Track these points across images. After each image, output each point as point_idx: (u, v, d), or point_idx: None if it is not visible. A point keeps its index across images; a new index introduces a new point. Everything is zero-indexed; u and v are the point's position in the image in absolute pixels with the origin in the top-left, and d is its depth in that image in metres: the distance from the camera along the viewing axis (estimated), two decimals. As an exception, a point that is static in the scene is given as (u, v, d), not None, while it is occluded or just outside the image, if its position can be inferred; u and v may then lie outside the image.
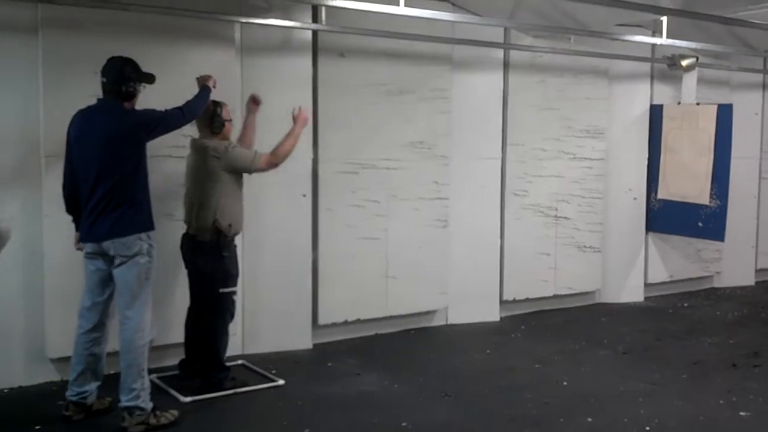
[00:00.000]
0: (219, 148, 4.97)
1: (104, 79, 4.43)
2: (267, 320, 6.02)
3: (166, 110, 4.58)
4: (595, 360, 6.09)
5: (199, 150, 5.05)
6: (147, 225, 4.48)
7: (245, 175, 5.18)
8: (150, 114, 4.51)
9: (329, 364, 5.82)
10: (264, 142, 5.86)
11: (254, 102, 5.45)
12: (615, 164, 7.93)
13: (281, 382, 5.32)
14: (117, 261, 4.40)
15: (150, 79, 4.56)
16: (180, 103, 4.73)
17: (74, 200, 4.54)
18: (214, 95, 5.11)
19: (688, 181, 7.84)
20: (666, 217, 8.08)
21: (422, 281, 6.72)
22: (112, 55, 4.49)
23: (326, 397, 5.11)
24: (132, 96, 4.47)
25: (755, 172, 9.08)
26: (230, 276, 5.11)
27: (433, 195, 6.74)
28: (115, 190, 4.35)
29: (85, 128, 4.42)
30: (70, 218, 4.63)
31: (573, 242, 7.66)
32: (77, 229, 4.61)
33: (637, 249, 8.20)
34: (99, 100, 4.49)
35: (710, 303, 8.30)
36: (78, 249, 4.64)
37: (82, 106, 4.53)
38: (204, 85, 4.92)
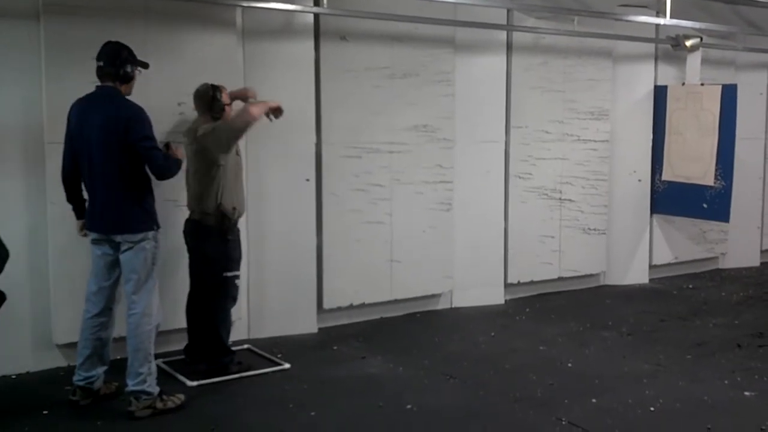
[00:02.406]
0: (208, 130, 4.96)
1: (101, 63, 4.41)
2: (272, 305, 6.03)
3: (154, 144, 4.41)
4: (599, 342, 6.09)
5: (196, 136, 5.03)
6: (153, 222, 4.49)
7: (249, 161, 5.17)
8: (146, 131, 4.39)
9: (334, 348, 5.84)
10: (269, 128, 5.87)
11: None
12: (619, 146, 7.91)
13: (287, 365, 5.34)
14: (124, 247, 4.42)
15: (145, 65, 4.56)
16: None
17: (74, 190, 4.56)
18: (218, 80, 5.12)
19: (692, 162, 7.82)
20: (671, 199, 8.07)
21: (427, 265, 6.72)
22: (108, 40, 4.48)
23: (332, 381, 5.13)
24: (130, 78, 4.47)
25: (760, 152, 9.06)
26: (234, 260, 5.14)
27: (437, 178, 6.73)
28: (121, 180, 4.36)
29: (85, 117, 4.41)
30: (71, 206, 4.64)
31: (577, 225, 7.65)
32: (78, 217, 4.62)
33: (641, 231, 8.20)
34: (97, 87, 4.47)
35: (715, 284, 8.29)
36: (83, 236, 4.65)
37: (85, 92, 4.52)
38: (176, 158, 4.60)
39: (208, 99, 5.06)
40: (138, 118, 4.39)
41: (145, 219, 4.45)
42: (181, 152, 4.69)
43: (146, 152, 4.38)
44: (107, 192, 4.39)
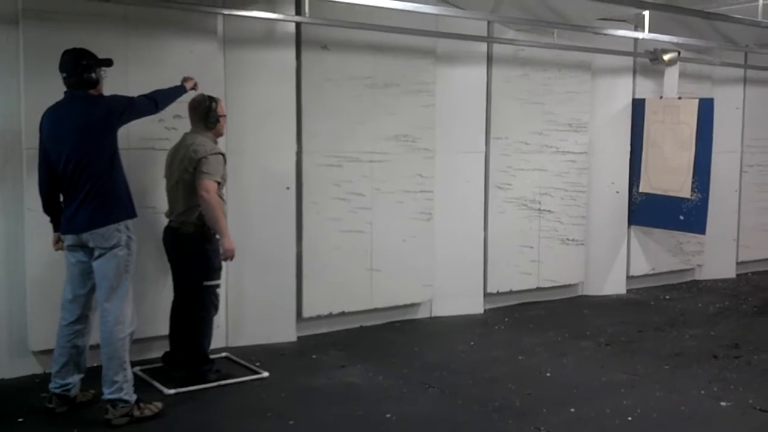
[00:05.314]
0: (199, 151, 4.91)
1: (64, 74, 4.40)
2: (251, 313, 6.01)
3: (132, 97, 4.60)
4: (577, 351, 6.12)
5: (188, 146, 5.00)
6: (127, 213, 4.46)
7: (229, 169, 5.17)
8: (119, 99, 4.53)
9: (313, 357, 5.82)
10: (250, 136, 5.88)
11: None
12: (597, 158, 7.98)
13: (265, 374, 5.32)
14: (96, 253, 4.39)
15: (108, 62, 4.52)
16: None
17: (51, 200, 4.51)
18: (198, 88, 5.12)
19: (669, 174, 7.90)
20: (648, 211, 8.14)
21: (406, 274, 6.73)
22: (65, 49, 4.45)
23: (310, 389, 5.11)
24: (96, 82, 4.44)
25: (736, 165, 9.17)
26: (213, 269, 5.10)
27: (417, 188, 6.75)
28: (95, 179, 4.33)
29: (57, 123, 4.39)
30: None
31: (556, 235, 7.70)
32: (55, 229, 4.58)
33: (619, 242, 8.26)
34: (66, 93, 4.45)
35: (692, 295, 8.36)
36: (57, 249, 4.62)
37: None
38: (182, 84, 4.95)
39: (204, 109, 5.05)
40: (112, 100, 4.48)
41: (113, 213, 4.38)
42: (191, 83, 5.00)
43: (135, 112, 4.57)
44: (82, 195, 4.34)
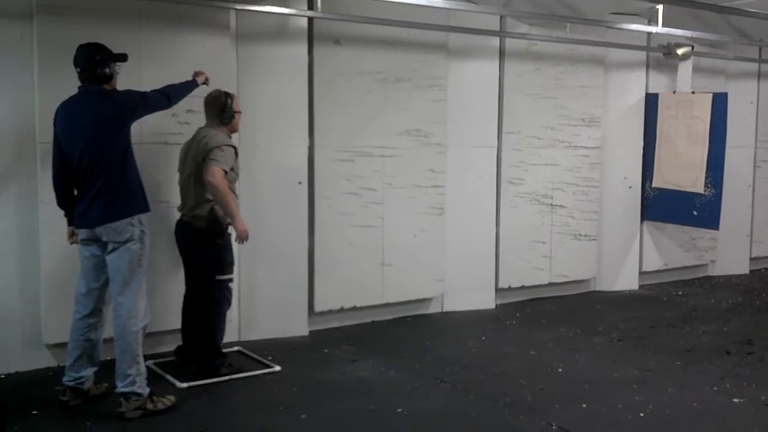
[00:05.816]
0: (210, 143, 4.91)
1: (78, 69, 4.42)
2: (263, 307, 6.03)
3: (145, 92, 4.61)
4: (589, 347, 6.11)
5: (201, 140, 5.00)
6: (140, 207, 4.48)
7: (241, 164, 5.18)
8: (132, 94, 4.54)
9: (325, 351, 5.84)
10: (262, 131, 5.89)
11: None
12: (610, 153, 7.95)
13: (277, 368, 5.34)
14: (109, 247, 4.41)
15: (122, 58, 4.52)
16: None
17: (66, 194, 4.53)
18: (211, 83, 5.12)
19: (683, 169, 7.86)
20: (661, 206, 8.11)
21: (418, 269, 6.73)
22: (79, 44, 4.46)
23: (322, 384, 5.12)
24: (110, 77, 4.45)
25: (750, 161, 9.12)
26: (226, 263, 5.12)
27: (428, 183, 6.74)
28: (108, 174, 4.35)
29: (71, 117, 4.41)
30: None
31: (568, 230, 7.68)
32: (69, 223, 4.60)
33: (632, 237, 8.23)
34: (80, 88, 4.47)
35: (705, 291, 8.33)
36: (71, 243, 4.65)
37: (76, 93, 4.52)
38: (193, 78, 4.96)
39: (220, 105, 5.06)
40: (125, 95, 4.48)
41: (127, 207, 4.40)
42: (203, 77, 4.99)
43: (147, 107, 4.56)
44: (95, 189, 4.36)
